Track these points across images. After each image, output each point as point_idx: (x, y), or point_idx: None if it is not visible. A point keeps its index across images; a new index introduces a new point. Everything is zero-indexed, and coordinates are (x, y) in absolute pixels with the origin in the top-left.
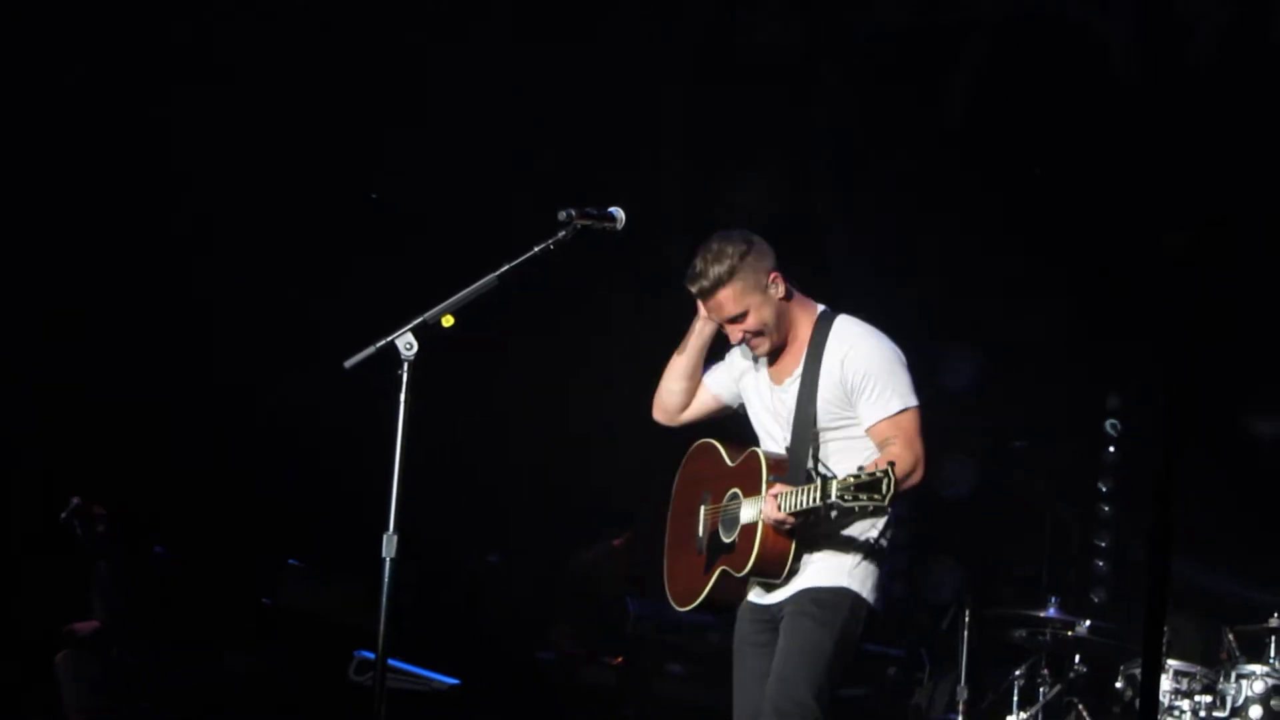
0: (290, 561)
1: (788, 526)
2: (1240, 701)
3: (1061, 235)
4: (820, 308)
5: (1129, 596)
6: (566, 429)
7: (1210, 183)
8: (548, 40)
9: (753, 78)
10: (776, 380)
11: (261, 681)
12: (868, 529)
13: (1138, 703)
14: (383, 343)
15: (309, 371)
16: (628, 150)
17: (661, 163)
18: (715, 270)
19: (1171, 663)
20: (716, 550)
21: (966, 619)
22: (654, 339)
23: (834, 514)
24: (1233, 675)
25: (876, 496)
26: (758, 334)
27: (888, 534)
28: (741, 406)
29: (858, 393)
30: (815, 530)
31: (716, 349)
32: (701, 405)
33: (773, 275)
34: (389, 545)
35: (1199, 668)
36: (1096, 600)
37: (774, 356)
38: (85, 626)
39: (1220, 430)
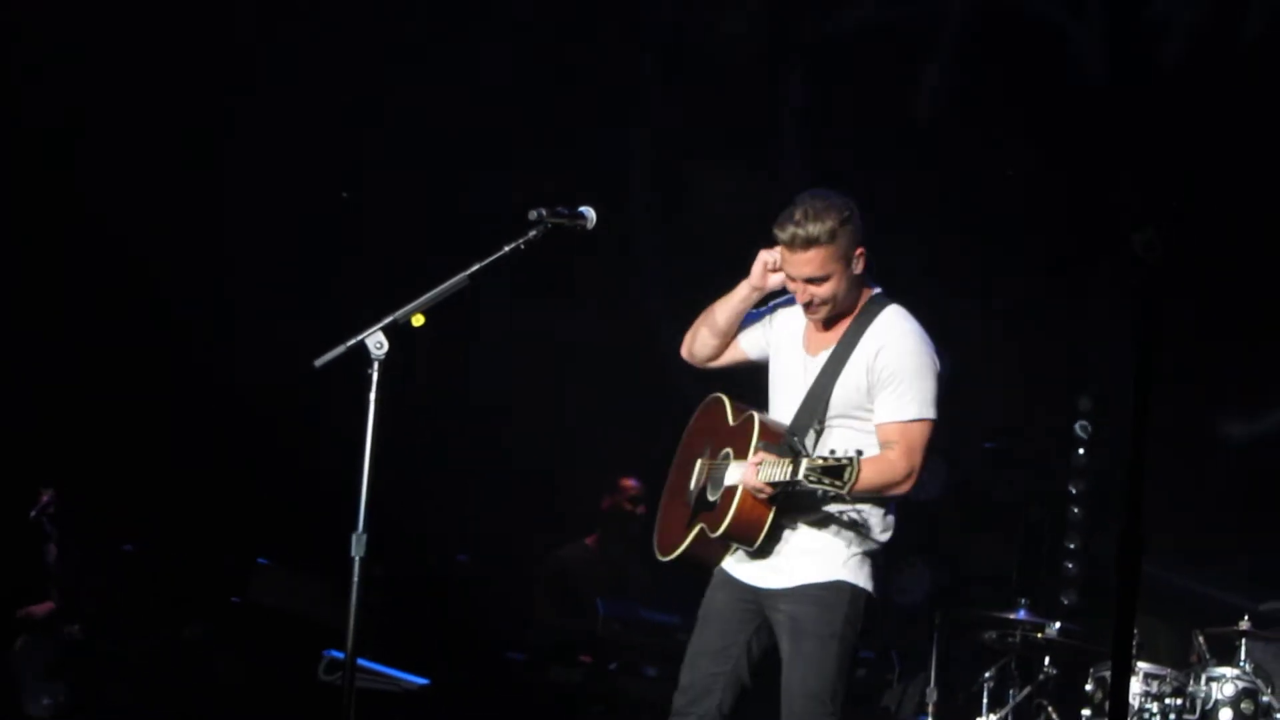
0: (259, 560)
1: (764, 496)
2: (1210, 704)
3: (1032, 235)
4: (876, 289)
5: (1099, 599)
6: (538, 429)
7: (1179, 182)
8: (517, 41)
9: (723, 73)
10: (811, 350)
11: (230, 680)
12: (860, 517)
13: (1108, 705)
14: (353, 341)
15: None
16: (597, 146)
17: (630, 158)
18: (815, 228)
19: (1142, 665)
20: (700, 506)
21: (936, 621)
22: (625, 339)
23: (817, 492)
24: (1203, 678)
25: (838, 484)
26: (824, 302)
27: (887, 523)
28: (765, 362)
29: (880, 386)
30: (803, 513)
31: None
32: (729, 358)
33: (860, 250)
34: (358, 544)
35: (1169, 670)
36: (1066, 602)
37: (815, 323)
38: (40, 609)
39: (1191, 432)
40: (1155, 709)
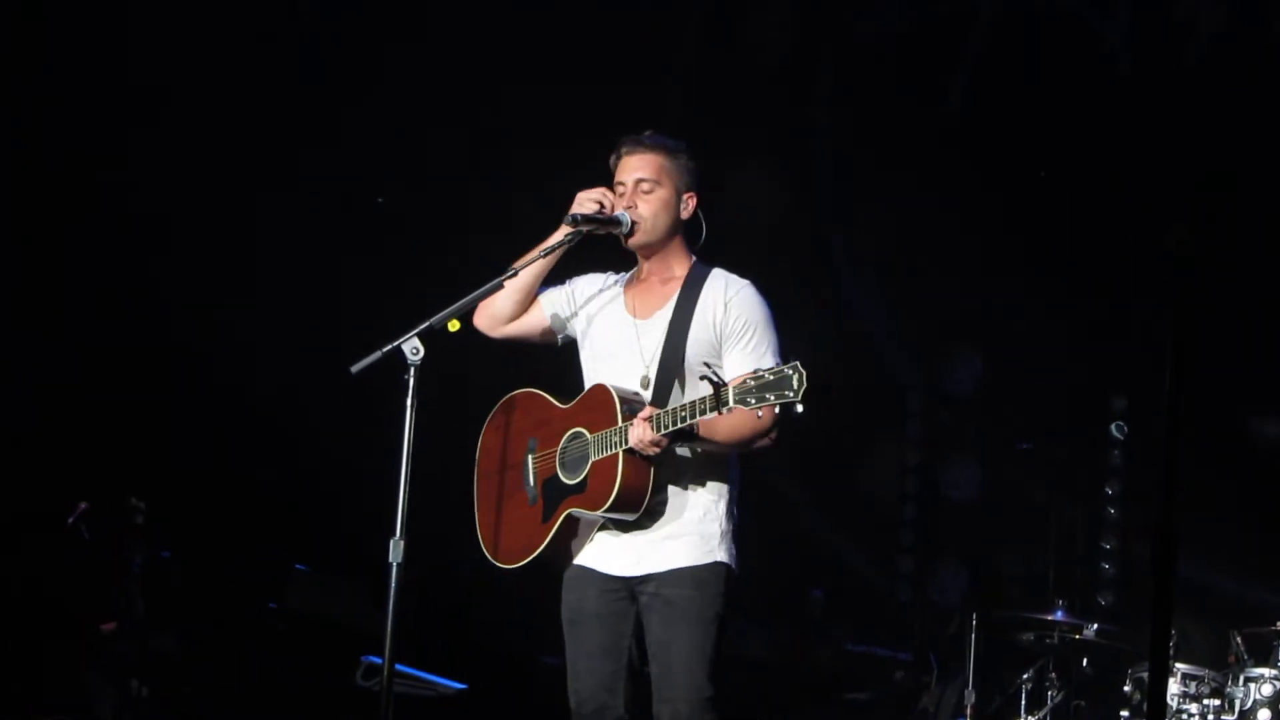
0: (296, 566)
1: (655, 451)
2: (1248, 705)
3: (1065, 235)
4: (695, 258)
5: (1136, 599)
6: None
7: (1210, 181)
8: (543, 42)
9: (753, 75)
10: (641, 314)
11: (268, 686)
12: (723, 493)
13: (1145, 706)
14: (389, 347)
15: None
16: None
17: None
18: (661, 140)
19: (1179, 666)
20: (558, 495)
21: (973, 622)
22: None
23: (695, 450)
24: (1240, 678)
25: (788, 394)
26: (641, 219)
27: (735, 493)
28: (564, 341)
29: (733, 338)
30: (676, 476)
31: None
32: (529, 323)
33: (691, 194)
34: (396, 550)
35: (1206, 671)
36: (1103, 603)
37: (638, 291)
38: (106, 625)
39: (1226, 431)
40: (1193, 710)
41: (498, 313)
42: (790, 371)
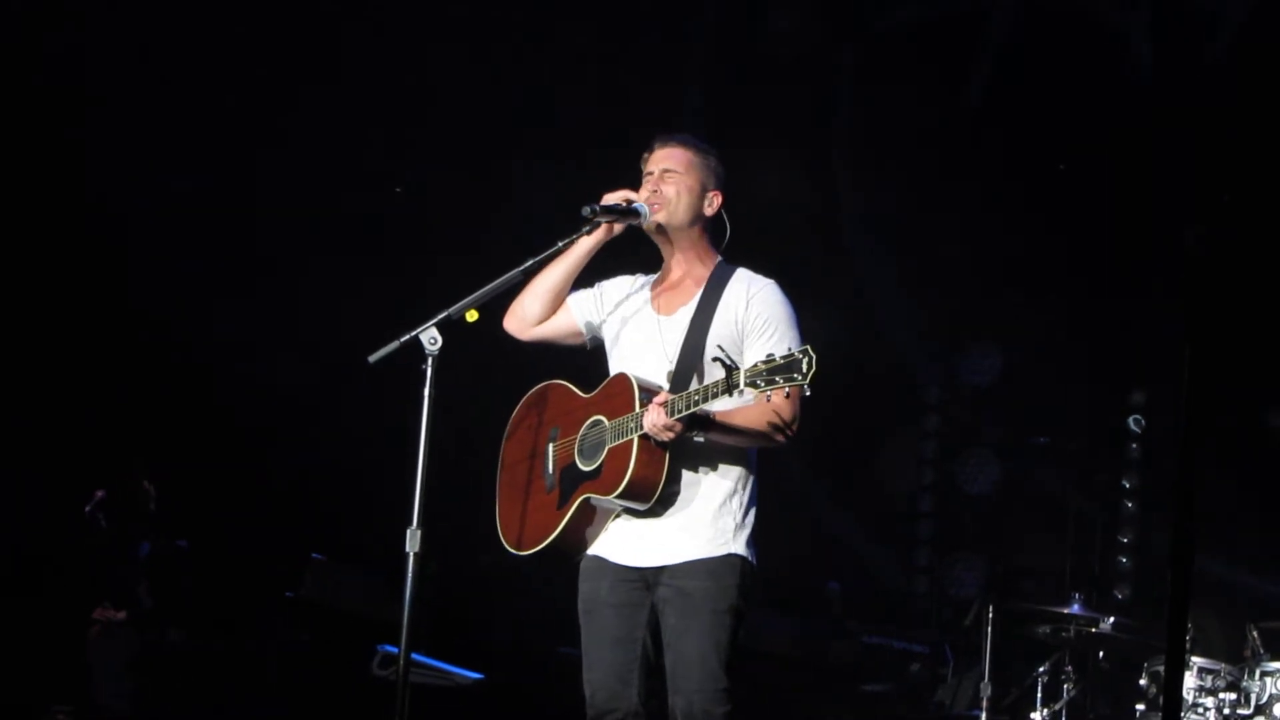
0: (314, 555)
1: (670, 435)
2: (1265, 699)
3: (1084, 229)
4: (720, 257)
5: (1152, 593)
6: None
7: (1231, 178)
8: (566, 33)
9: (772, 69)
10: (665, 310)
11: (284, 675)
12: (739, 487)
13: (1162, 700)
14: (407, 337)
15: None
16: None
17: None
18: (693, 140)
19: (1195, 660)
20: (575, 481)
21: (990, 615)
22: None
23: (699, 441)
24: (1257, 672)
25: (797, 377)
26: (666, 201)
27: (753, 488)
28: (593, 343)
29: (754, 335)
30: (690, 468)
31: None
32: (558, 325)
33: (716, 193)
34: (412, 540)
35: (1223, 665)
36: (1120, 597)
37: (663, 290)
38: (113, 614)
39: (1243, 425)
40: (1209, 703)
41: (527, 315)
42: (800, 355)
